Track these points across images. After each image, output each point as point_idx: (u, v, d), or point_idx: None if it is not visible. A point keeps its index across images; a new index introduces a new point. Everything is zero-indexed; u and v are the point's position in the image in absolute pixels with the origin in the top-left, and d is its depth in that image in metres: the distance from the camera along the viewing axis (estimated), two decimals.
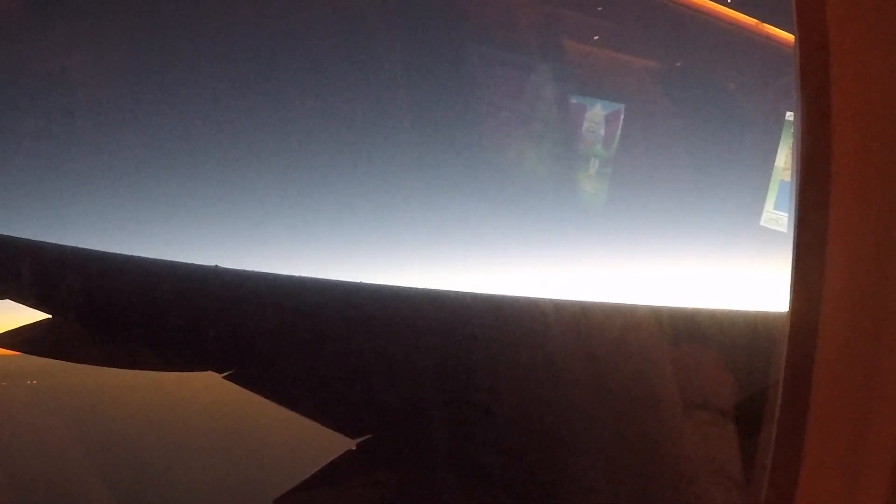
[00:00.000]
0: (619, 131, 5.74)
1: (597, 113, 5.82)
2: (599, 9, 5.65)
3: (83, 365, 5.73)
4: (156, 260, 7.25)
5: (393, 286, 6.99)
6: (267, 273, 7.14)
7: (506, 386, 4.64)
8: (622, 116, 5.74)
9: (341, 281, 7.06)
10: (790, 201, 1.44)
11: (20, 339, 5.46)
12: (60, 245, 7.34)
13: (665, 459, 3.75)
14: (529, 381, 4.71)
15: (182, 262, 7.09)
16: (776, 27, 4.04)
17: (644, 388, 4.53)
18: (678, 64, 5.89)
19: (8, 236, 7.44)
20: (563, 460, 3.73)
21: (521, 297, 6.69)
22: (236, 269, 7.10)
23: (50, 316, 5.48)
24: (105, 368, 5.69)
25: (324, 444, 4.24)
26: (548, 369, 4.85)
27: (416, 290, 6.83)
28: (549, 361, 4.96)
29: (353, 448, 3.87)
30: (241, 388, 4.72)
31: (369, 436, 3.97)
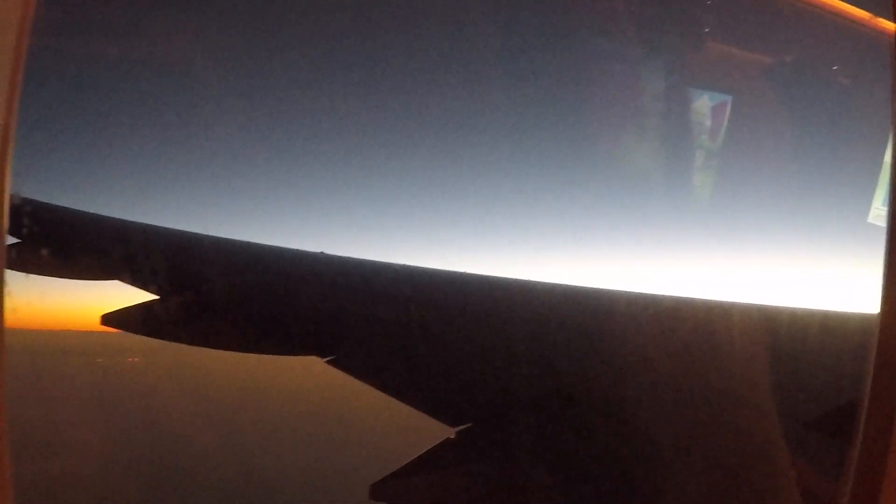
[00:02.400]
0: (725, 123, 5.68)
1: (703, 104, 5.77)
2: (709, 2, 5.61)
3: (186, 346, 5.99)
4: (262, 245, 7.53)
5: (499, 277, 7.08)
6: (371, 260, 7.31)
7: (607, 383, 4.69)
8: (729, 108, 5.68)
9: (446, 270, 7.18)
10: (888, 199, 1.47)
11: (126, 318, 5.78)
12: (169, 228, 7.71)
13: (751, 462, 3.76)
14: (629, 378, 4.74)
15: (288, 248, 7.35)
16: (890, 21, 3.96)
17: (736, 389, 4.53)
18: (787, 57, 5.80)
19: (119, 219, 7.89)
20: (656, 461, 3.77)
21: (623, 291, 6.69)
22: (342, 256, 7.30)
23: (156, 297, 5.82)
24: (207, 350, 5.96)
25: (423, 432, 4.37)
26: (646, 366, 4.88)
27: (522, 281, 6.90)
28: (648, 358, 4.99)
29: (452, 436, 4.00)
30: (342, 373, 4.90)
31: (469, 425, 4.09)
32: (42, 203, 8.06)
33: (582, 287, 6.92)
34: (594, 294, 6.81)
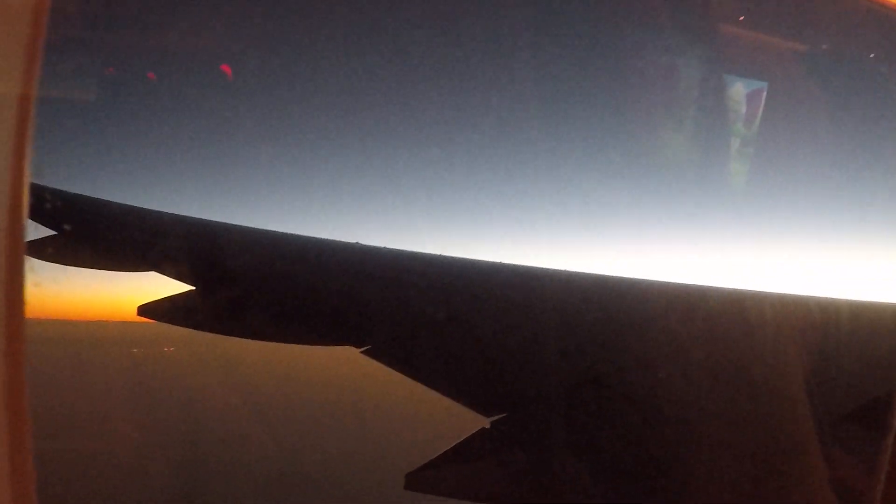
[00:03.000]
0: (761, 111, 5.64)
1: (738, 90, 5.73)
2: None
3: (221, 336, 6.08)
4: (298, 236, 7.62)
5: (532, 267, 7.10)
6: (407, 251, 7.37)
7: (641, 373, 4.71)
8: (764, 95, 5.63)
9: (479, 260, 7.21)
10: None
11: (162, 309, 5.89)
12: (205, 220, 7.82)
13: (784, 453, 3.77)
14: (662, 368, 4.76)
15: (323, 239, 7.42)
16: None
17: (770, 379, 4.53)
18: (823, 44, 5.74)
19: (156, 211, 8.01)
20: (689, 451, 3.79)
21: (657, 282, 6.69)
22: (377, 247, 7.37)
23: (192, 288, 5.92)
24: (242, 340, 6.04)
25: (457, 422, 4.41)
26: (679, 356, 4.89)
27: (555, 271, 6.92)
28: (682, 348, 4.99)
29: (487, 426, 4.04)
30: (377, 363, 4.96)
31: (503, 415, 4.13)
32: (79, 196, 8.21)
33: (616, 277, 6.94)
34: (629, 284, 6.82)
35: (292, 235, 7.66)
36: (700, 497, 3.49)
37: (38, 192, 7.47)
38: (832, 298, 6.26)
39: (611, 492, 3.62)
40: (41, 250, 6.82)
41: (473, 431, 4.03)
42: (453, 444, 3.92)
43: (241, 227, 7.70)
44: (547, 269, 7.05)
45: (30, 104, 2.19)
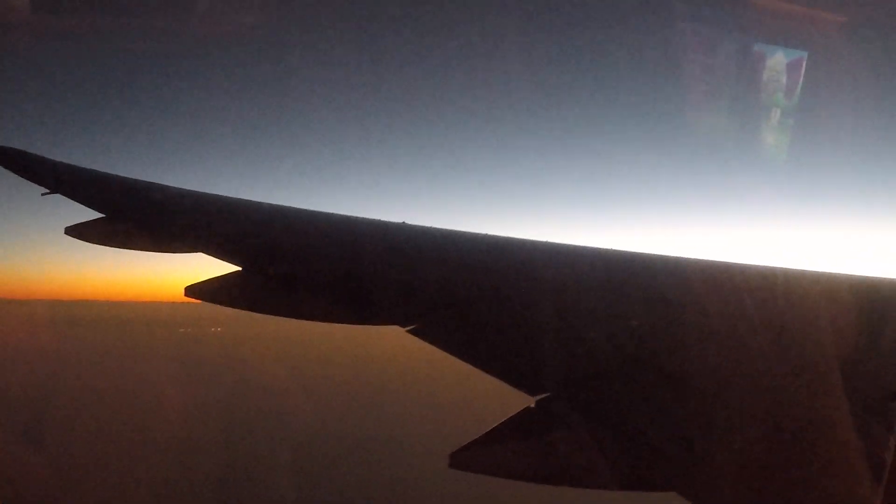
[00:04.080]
0: (801, 81, 5.55)
1: (778, 60, 5.65)
2: None
3: (267, 316, 6.18)
4: (344, 216, 7.71)
5: (582, 246, 7.11)
6: (453, 230, 7.42)
7: (690, 353, 4.70)
8: (804, 65, 5.54)
9: (528, 239, 7.24)
10: None
11: (209, 289, 6.01)
12: (252, 201, 7.95)
13: (831, 438, 3.75)
14: (710, 348, 4.75)
15: (368, 218, 7.50)
16: None
17: (819, 361, 4.50)
18: (864, 16, 5.62)
19: (202, 192, 8.16)
20: (737, 435, 3.79)
21: (702, 260, 6.66)
22: (423, 226, 7.43)
23: (239, 268, 6.03)
24: (288, 320, 6.14)
25: (503, 401, 4.46)
26: (727, 336, 4.88)
27: (604, 250, 6.93)
28: (729, 328, 4.98)
29: (532, 406, 4.08)
30: (423, 342, 5.02)
31: (548, 394, 4.16)
32: (126, 179, 8.39)
33: (663, 255, 6.92)
34: (675, 263, 6.81)
35: (338, 215, 7.76)
36: (742, 486, 3.50)
37: (85, 176, 7.69)
38: (877, 277, 6.20)
39: (653, 476, 3.64)
40: (89, 233, 7.00)
41: (518, 411, 4.07)
42: (498, 424, 3.97)
43: (287, 207, 7.82)
44: (596, 249, 7.07)
45: None
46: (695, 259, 6.75)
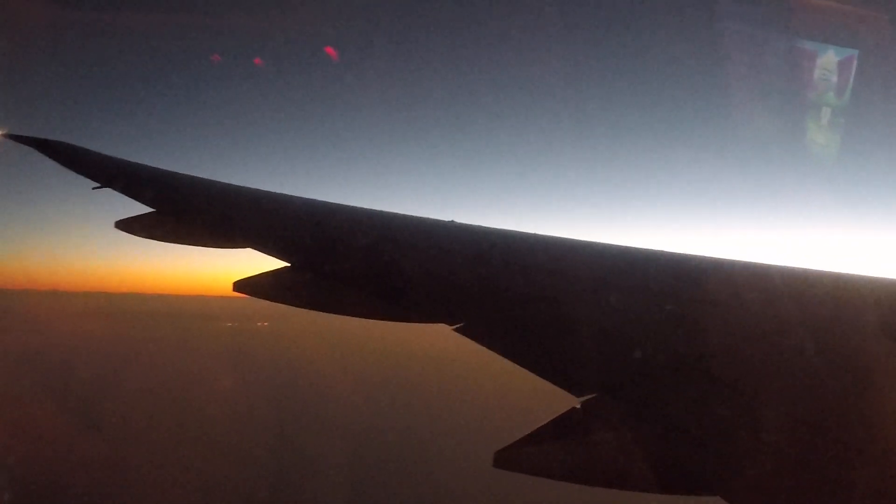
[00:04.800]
0: (852, 79, 5.48)
1: (829, 59, 5.58)
2: None
3: (314, 312, 6.24)
4: (390, 213, 7.76)
5: (630, 247, 7.09)
6: (500, 229, 7.43)
7: (737, 355, 4.67)
8: (855, 64, 5.47)
9: (576, 239, 7.23)
10: None
11: (257, 285, 6.09)
12: (300, 197, 8.04)
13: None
14: (762, 351, 4.71)
15: (417, 216, 7.55)
16: None
17: (868, 366, 4.45)
18: None
19: (252, 188, 8.28)
20: (786, 438, 3.76)
21: (750, 262, 6.60)
22: (470, 224, 7.45)
23: (287, 265, 6.11)
24: (336, 316, 6.20)
25: (548, 401, 4.48)
26: (779, 340, 4.84)
27: (652, 251, 6.90)
28: (780, 331, 4.94)
29: (577, 406, 4.09)
30: (470, 340, 5.05)
31: (594, 395, 4.17)
32: (177, 174, 8.52)
33: (710, 257, 6.88)
34: (722, 265, 6.76)
35: (388, 213, 7.82)
36: (789, 492, 3.48)
37: (136, 171, 7.83)
38: None
39: (697, 480, 3.64)
40: (139, 227, 7.13)
41: (564, 411, 4.08)
42: (543, 424, 3.99)
43: (337, 204, 7.89)
44: (645, 250, 7.03)
45: None
46: (742, 261, 6.70)
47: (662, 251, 6.85)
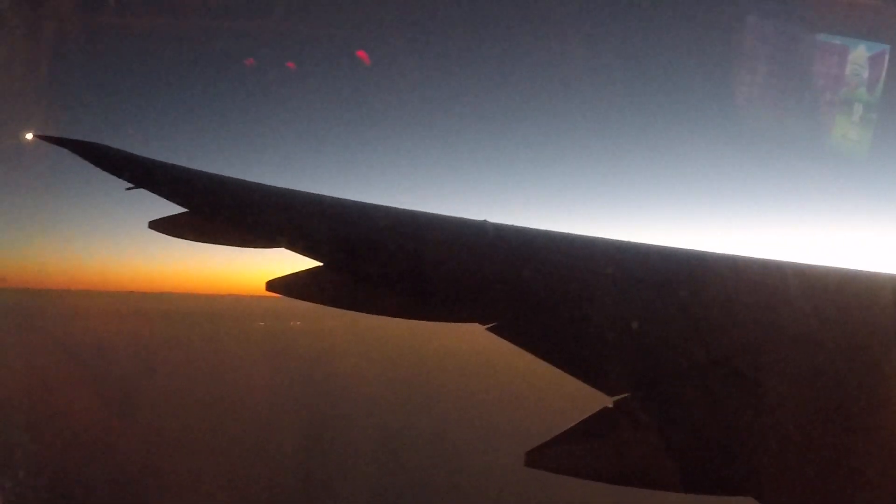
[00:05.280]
0: (884, 75, 5.43)
1: (860, 54, 5.53)
2: None
3: (347, 311, 6.28)
4: (423, 212, 7.79)
5: (664, 246, 7.07)
6: (534, 228, 7.44)
7: (775, 357, 4.65)
8: (887, 59, 5.42)
9: (610, 238, 7.23)
10: None
11: (290, 284, 6.14)
12: (334, 197, 8.08)
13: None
14: (797, 352, 4.69)
15: (450, 216, 7.57)
16: None
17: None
18: None
19: (285, 188, 8.34)
20: (822, 440, 3.75)
21: (791, 262, 6.56)
22: (503, 224, 7.47)
23: (320, 264, 6.15)
24: (368, 315, 6.24)
25: (580, 400, 4.49)
26: (815, 341, 4.81)
27: (687, 251, 6.88)
28: (816, 332, 4.91)
29: (610, 406, 4.10)
30: (503, 340, 5.07)
31: (627, 395, 4.18)
32: (210, 174, 8.60)
33: (746, 257, 6.86)
34: (758, 264, 6.73)
35: (420, 212, 7.85)
36: (824, 494, 3.47)
37: (170, 172, 7.92)
38: None
39: (731, 481, 3.64)
40: (173, 227, 7.22)
41: (596, 411, 4.09)
42: (575, 423, 4.00)
43: (370, 203, 7.94)
44: (679, 249, 7.02)
45: None
46: (779, 261, 6.66)
47: (697, 251, 6.83)
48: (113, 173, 8.05)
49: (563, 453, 3.92)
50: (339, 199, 8.12)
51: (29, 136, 8.96)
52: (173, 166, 8.67)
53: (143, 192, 7.71)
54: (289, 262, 6.32)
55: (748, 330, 5.05)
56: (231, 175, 8.74)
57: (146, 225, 7.19)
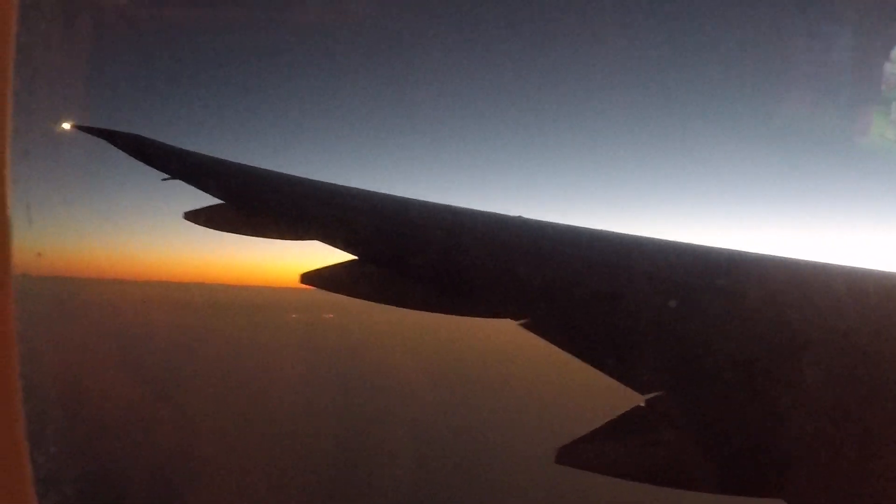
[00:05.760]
0: None
1: None
2: None
3: (380, 305, 6.33)
4: (457, 208, 7.83)
5: (699, 245, 7.06)
6: (568, 225, 7.46)
7: (809, 359, 4.62)
8: None
9: (645, 236, 7.22)
10: None
11: (324, 277, 6.20)
12: (369, 191, 8.14)
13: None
14: (832, 355, 4.66)
15: (484, 211, 7.60)
16: None
17: None
18: None
19: (320, 182, 8.40)
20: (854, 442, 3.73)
21: (826, 262, 6.50)
22: (538, 221, 7.49)
23: (354, 258, 6.20)
24: (401, 309, 6.28)
25: (612, 398, 4.50)
26: (851, 344, 4.78)
27: (722, 250, 6.86)
28: (852, 335, 4.88)
29: (642, 404, 4.11)
30: (535, 336, 5.09)
31: (659, 393, 4.18)
32: (245, 166, 8.69)
33: (780, 257, 6.82)
34: (792, 265, 6.69)
35: (455, 208, 7.88)
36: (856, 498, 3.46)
37: (205, 163, 8.02)
38: None
39: (762, 482, 3.63)
40: (207, 218, 7.29)
41: (628, 409, 4.10)
42: (607, 421, 4.01)
43: (403, 198, 7.98)
44: (714, 248, 7.00)
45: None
46: (813, 261, 6.62)
47: (735, 251, 6.81)
48: (149, 164, 8.14)
49: (594, 450, 3.93)
50: (373, 192, 8.17)
51: (67, 125, 9.09)
52: (209, 157, 8.75)
53: (178, 183, 7.79)
54: (320, 255, 6.38)
55: (786, 331, 5.02)
56: (264, 167, 8.82)
57: (181, 216, 7.28)
